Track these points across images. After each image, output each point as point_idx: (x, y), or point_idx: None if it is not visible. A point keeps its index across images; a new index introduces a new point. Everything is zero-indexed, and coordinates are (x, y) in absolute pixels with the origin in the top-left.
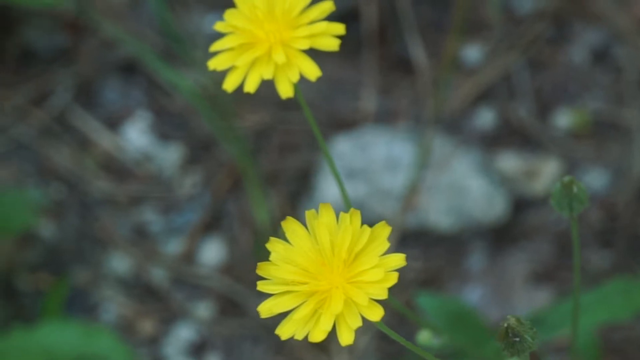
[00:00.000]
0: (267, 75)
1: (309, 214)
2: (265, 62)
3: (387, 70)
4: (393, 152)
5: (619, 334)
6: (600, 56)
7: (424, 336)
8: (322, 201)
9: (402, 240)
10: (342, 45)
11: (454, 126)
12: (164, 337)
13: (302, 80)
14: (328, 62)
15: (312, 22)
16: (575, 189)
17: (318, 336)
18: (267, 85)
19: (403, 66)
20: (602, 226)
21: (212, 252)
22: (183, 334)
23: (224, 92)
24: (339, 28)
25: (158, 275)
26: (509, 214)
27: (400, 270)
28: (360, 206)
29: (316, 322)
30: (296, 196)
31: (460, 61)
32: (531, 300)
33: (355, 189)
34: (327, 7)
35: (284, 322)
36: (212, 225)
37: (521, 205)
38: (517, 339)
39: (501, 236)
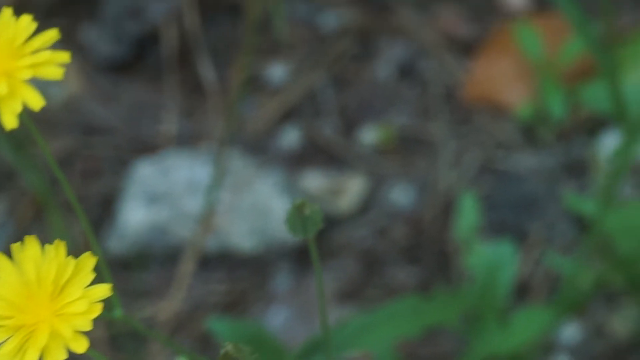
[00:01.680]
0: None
1: (14, 247)
2: None
3: (190, 93)
4: (195, 175)
5: (426, 349)
6: (406, 71)
7: None
8: (125, 227)
9: (205, 264)
10: (144, 69)
11: (258, 146)
12: None
13: (105, 105)
14: (130, 86)
15: (36, 51)
16: (307, 211)
17: None
18: (69, 111)
19: (205, 89)
20: (408, 242)
21: None
22: None
23: (23, 120)
24: (64, 56)
25: None
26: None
27: (204, 294)
28: (163, 230)
29: (22, 357)
30: (99, 222)
31: (264, 80)
32: (338, 320)
33: (158, 213)
34: (52, 35)
35: None
36: None
37: (327, 224)
38: None
39: (306, 256)
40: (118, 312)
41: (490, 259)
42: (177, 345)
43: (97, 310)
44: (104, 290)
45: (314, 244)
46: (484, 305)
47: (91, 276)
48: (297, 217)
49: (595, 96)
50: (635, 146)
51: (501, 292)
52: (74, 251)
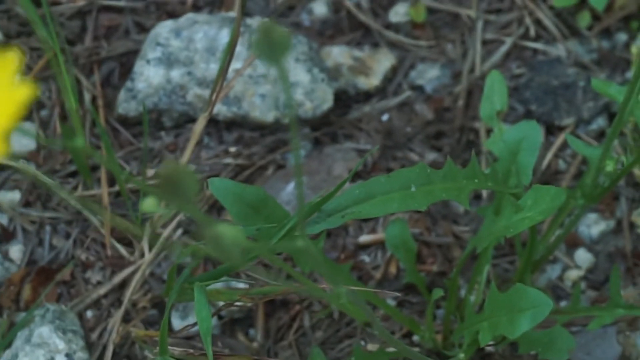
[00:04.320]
0: None
1: None
2: None
3: None
4: (215, 41)
5: (440, 231)
6: None
7: (149, 203)
8: (141, 88)
9: (219, 131)
10: None
11: (284, 18)
12: None
13: None
14: None
15: None
16: (276, 34)
17: None
18: None
19: None
20: (431, 122)
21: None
22: None
23: None
24: None
25: None
26: (336, 107)
27: (216, 161)
28: (179, 94)
29: None
30: (116, 83)
31: None
32: None
33: (177, 76)
34: None
35: None
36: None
37: (350, 99)
38: (177, 186)
39: (326, 130)
40: (80, 141)
41: (514, 140)
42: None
43: (19, 112)
44: (28, 91)
45: (283, 70)
46: (503, 186)
47: (13, 75)
48: (264, 39)
49: None
50: None
51: (522, 173)
52: (93, 107)
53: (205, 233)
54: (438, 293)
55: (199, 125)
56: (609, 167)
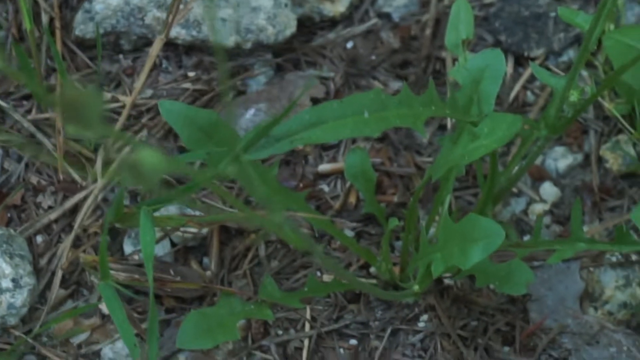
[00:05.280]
0: None
1: None
2: None
3: None
4: None
5: (400, 162)
6: None
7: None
8: (98, 9)
9: (177, 55)
10: None
11: None
12: None
13: None
14: None
15: None
16: None
17: None
18: None
19: None
20: (396, 51)
21: None
22: None
23: None
24: None
25: None
26: (300, 34)
27: (173, 86)
28: (139, 15)
29: None
30: (76, 3)
31: None
32: None
33: None
34: None
35: None
36: None
37: (315, 25)
38: (79, 109)
39: (289, 56)
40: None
41: (477, 68)
42: (129, 136)
43: None
44: None
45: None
46: (462, 113)
47: None
48: None
49: None
50: None
51: (484, 102)
52: (42, 31)
53: (123, 158)
54: (394, 223)
55: (155, 48)
56: (573, 96)
